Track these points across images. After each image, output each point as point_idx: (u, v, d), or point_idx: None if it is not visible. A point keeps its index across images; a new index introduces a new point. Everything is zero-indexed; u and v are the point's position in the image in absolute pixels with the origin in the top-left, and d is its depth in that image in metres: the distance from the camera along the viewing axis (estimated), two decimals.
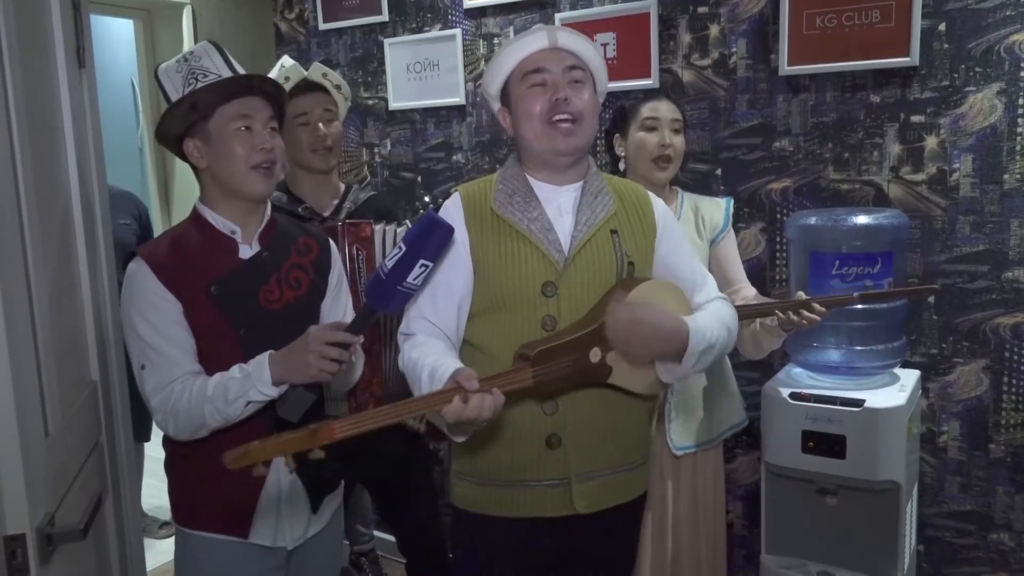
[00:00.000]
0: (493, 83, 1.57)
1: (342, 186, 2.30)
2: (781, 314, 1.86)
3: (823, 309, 1.81)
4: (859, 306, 2.05)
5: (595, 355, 1.43)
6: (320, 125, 2.10)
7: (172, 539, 1.65)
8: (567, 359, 1.40)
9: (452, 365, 1.37)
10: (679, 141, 2.05)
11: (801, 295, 1.87)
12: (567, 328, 1.46)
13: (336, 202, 2.24)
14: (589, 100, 1.52)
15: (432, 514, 2.46)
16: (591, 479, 1.53)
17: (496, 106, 1.60)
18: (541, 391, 1.42)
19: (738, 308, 1.95)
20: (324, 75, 2.18)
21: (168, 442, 1.58)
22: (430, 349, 1.44)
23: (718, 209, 2.11)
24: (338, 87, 2.20)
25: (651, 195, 1.64)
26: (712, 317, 1.53)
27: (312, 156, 2.14)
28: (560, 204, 1.54)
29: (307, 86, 2.17)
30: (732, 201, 2.16)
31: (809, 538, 2.04)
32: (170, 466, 1.61)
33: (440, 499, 3.14)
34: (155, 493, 3.43)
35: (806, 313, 1.81)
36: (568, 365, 1.41)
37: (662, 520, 2.08)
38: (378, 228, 2.06)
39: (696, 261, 1.66)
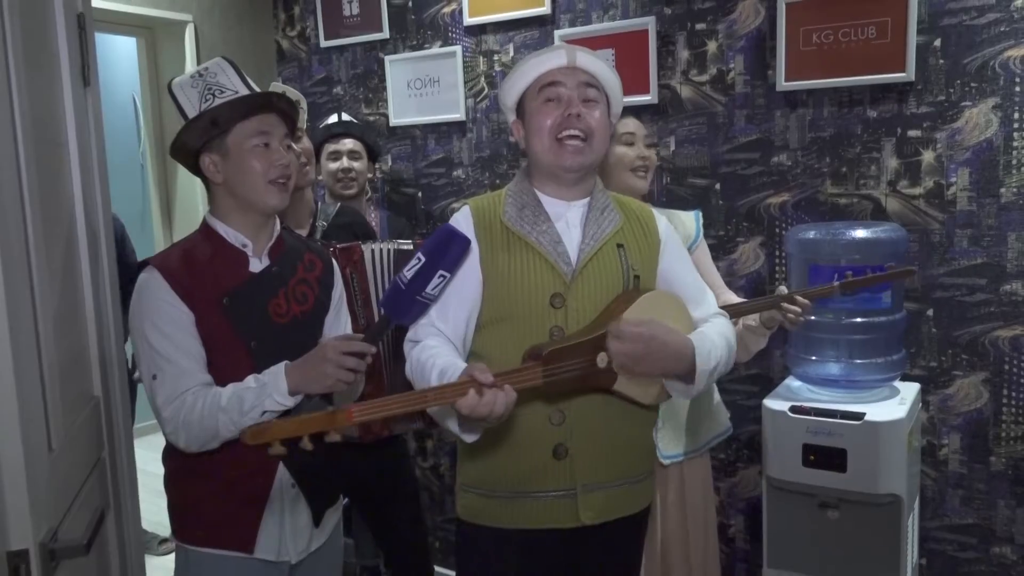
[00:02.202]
0: (509, 95, 1.60)
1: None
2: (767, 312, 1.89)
3: (806, 302, 1.83)
4: (858, 319, 2.06)
5: (602, 360, 1.45)
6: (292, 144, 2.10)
7: (172, 555, 1.64)
8: (576, 361, 1.42)
9: (463, 366, 1.38)
10: (652, 153, 2.14)
11: (783, 289, 1.89)
12: (575, 332, 1.48)
13: (311, 220, 2.25)
14: (600, 119, 1.54)
15: (419, 530, 2.46)
16: (596, 490, 1.54)
17: (511, 118, 1.63)
18: (549, 391, 1.43)
19: (723, 308, 1.97)
20: (284, 92, 2.19)
21: (169, 458, 1.58)
22: (440, 351, 1.46)
23: (688, 221, 2.17)
24: (297, 102, 2.22)
25: (654, 211, 1.68)
26: (716, 333, 1.54)
27: None
28: (568, 219, 1.57)
29: None
30: (700, 214, 2.21)
31: (811, 552, 2.04)
32: (171, 482, 1.61)
33: (439, 516, 3.14)
34: (153, 509, 3.41)
35: (787, 306, 1.83)
36: (576, 368, 1.42)
37: (651, 529, 2.08)
38: (366, 248, 2.07)
39: (697, 276, 1.67)
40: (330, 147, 2.66)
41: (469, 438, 1.38)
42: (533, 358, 1.41)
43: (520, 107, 1.60)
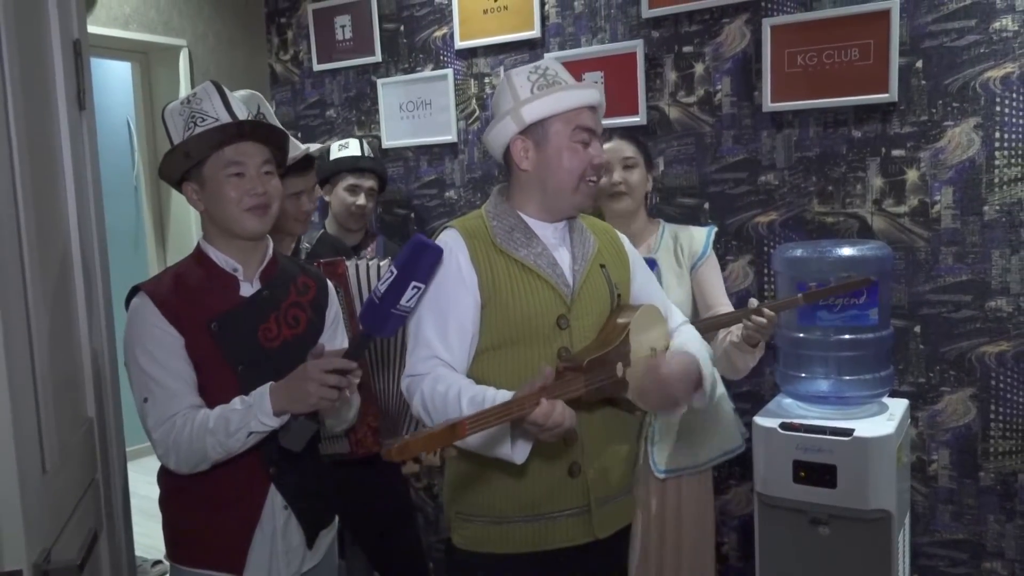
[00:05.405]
0: (534, 113, 1.52)
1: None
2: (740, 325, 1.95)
3: (771, 314, 1.89)
4: (846, 336, 2.08)
5: (619, 370, 1.50)
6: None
7: None
8: (604, 370, 1.47)
9: (490, 390, 1.40)
10: (633, 175, 2.12)
11: (753, 302, 1.93)
12: (587, 347, 1.51)
13: (293, 244, 2.26)
14: None
15: (416, 551, 2.45)
16: (606, 503, 1.58)
17: (513, 129, 1.54)
18: (587, 400, 1.45)
19: (693, 323, 1.99)
20: (310, 149, 2.20)
21: (164, 477, 1.59)
22: (453, 379, 1.46)
23: (699, 236, 2.17)
24: (311, 149, 2.22)
25: (616, 231, 1.74)
26: (699, 345, 1.61)
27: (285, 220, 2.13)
28: (553, 240, 1.59)
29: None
30: (715, 229, 2.21)
31: (803, 569, 2.05)
32: (165, 502, 1.61)
33: (434, 536, 3.14)
34: (146, 532, 3.38)
35: (755, 318, 1.89)
36: (603, 377, 1.47)
37: (646, 544, 2.09)
38: (351, 264, 2.08)
39: (660, 289, 1.77)
40: (351, 179, 2.62)
41: (521, 457, 1.39)
42: (572, 369, 1.43)
43: (535, 128, 1.54)
